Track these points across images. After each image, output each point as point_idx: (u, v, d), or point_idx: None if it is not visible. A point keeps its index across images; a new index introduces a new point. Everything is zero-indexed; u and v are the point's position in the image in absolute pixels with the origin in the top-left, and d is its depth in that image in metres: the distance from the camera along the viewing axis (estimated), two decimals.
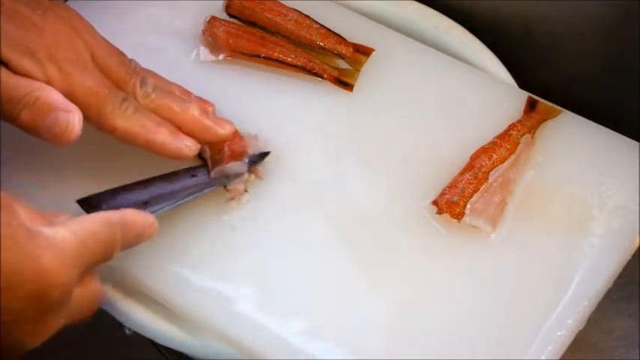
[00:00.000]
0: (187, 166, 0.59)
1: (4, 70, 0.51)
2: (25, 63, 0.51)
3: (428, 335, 0.53)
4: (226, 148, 0.59)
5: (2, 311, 0.40)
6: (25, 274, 0.40)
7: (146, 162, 0.58)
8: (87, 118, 0.54)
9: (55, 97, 0.51)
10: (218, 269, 0.56)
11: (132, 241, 0.49)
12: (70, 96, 0.52)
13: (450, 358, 0.53)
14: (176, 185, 0.57)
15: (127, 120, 0.55)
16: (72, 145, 0.53)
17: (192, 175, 0.59)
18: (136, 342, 0.59)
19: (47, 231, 0.43)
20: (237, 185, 0.59)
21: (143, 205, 0.54)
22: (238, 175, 0.59)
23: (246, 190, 0.59)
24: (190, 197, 0.57)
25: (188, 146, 0.57)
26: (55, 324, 0.44)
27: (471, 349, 0.53)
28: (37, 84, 0.51)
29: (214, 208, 0.59)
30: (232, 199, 0.59)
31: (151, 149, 0.56)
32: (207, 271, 0.56)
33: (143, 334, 0.56)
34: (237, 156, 0.59)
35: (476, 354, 0.53)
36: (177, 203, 0.56)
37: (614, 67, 0.69)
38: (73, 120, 0.52)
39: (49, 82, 0.52)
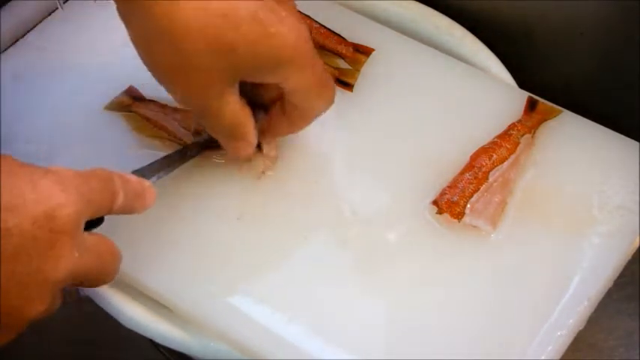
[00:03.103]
0: None
1: None
2: None
3: (428, 335, 0.53)
4: None
5: (12, 234, 0.41)
6: (26, 194, 0.41)
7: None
8: None
9: None
10: (218, 268, 0.56)
11: (132, 198, 0.49)
12: None
13: (449, 358, 0.53)
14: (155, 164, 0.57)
15: None
16: None
17: (166, 157, 0.59)
18: (136, 342, 0.59)
19: (42, 166, 0.44)
20: (271, 151, 0.60)
21: None
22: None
23: (276, 156, 0.60)
24: (173, 168, 0.57)
25: None
26: (72, 253, 0.44)
27: (471, 349, 0.53)
28: None
29: (213, 207, 0.59)
30: (263, 172, 0.60)
31: None
32: (206, 269, 0.56)
33: (143, 334, 0.56)
34: None
35: (476, 354, 0.53)
36: (163, 174, 0.56)
37: (615, 67, 0.69)
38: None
39: None
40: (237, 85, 0.52)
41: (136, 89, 0.64)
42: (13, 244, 0.41)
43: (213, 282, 0.55)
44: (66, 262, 0.43)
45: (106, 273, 0.48)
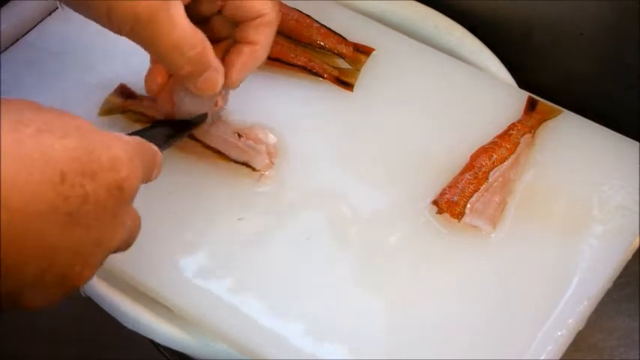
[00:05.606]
0: None
1: None
2: None
3: (428, 335, 0.53)
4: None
5: (90, 200, 0.40)
6: (102, 161, 0.41)
7: None
8: None
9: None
10: (218, 268, 0.56)
11: (157, 168, 0.49)
12: None
13: (449, 358, 0.53)
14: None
15: None
16: None
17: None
18: (136, 342, 0.59)
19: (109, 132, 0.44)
20: (264, 161, 0.60)
21: None
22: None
23: (272, 162, 0.60)
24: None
25: None
26: (127, 223, 0.44)
27: (471, 349, 0.53)
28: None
29: (214, 208, 0.59)
30: (261, 176, 0.60)
31: None
32: (207, 269, 0.56)
33: (143, 334, 0.56)
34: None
35: (475, 354, 0.53)
36: None
37: (614, 67, 0.69)
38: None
39: None
40: None
41: (127, 87, 0.64)
42: (87, 210, 0.41)
43: (213, 282, 0.55)
44: (123, 232, 0.44)
45: (132, 240, 0.48)
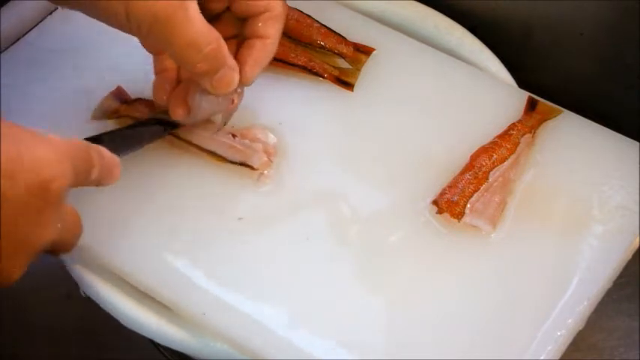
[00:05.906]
0: None
1: None
2: None
3: (428, 335, 0.53)
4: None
5: (8, 199, 0.41)
6: (24, 162, 0.42)
7: None
8: None
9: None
10: (218, 268, 0.56)
11: (105, 172, 0.49)
12: None
13: (449, 358, 0.53)
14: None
15: None
16: None
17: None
18: (136, 342, 0.59)
19: (38, 131, 0.44)
20: (261, 159, 0.60)
21: None
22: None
23: (270, 160, 0.60)
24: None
25: None
26: (56, 223, 0.45)
27: (471, 349, 0.53)
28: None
29: (214, 208, 0.59)
30: (261, 175, 0.59)
31: None
32: (207, 269, 0.56)
33: (143, 334, 0.56)
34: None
35: (475, 354, 0.53)
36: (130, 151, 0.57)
37: (614, 67, 0.69)
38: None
39: None
40: None
41: (123, 90, 0.64)
42: (6, 210, 0.41)
43: (213, 282, 0.55)
44: (50, 232, 0.44)
45: (71, 244, 0.49)
